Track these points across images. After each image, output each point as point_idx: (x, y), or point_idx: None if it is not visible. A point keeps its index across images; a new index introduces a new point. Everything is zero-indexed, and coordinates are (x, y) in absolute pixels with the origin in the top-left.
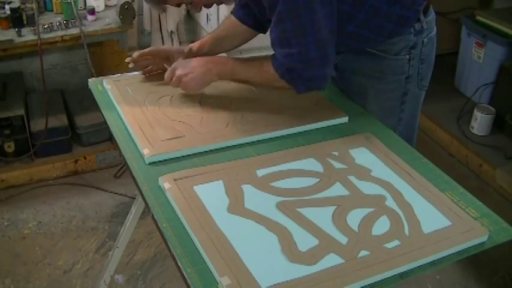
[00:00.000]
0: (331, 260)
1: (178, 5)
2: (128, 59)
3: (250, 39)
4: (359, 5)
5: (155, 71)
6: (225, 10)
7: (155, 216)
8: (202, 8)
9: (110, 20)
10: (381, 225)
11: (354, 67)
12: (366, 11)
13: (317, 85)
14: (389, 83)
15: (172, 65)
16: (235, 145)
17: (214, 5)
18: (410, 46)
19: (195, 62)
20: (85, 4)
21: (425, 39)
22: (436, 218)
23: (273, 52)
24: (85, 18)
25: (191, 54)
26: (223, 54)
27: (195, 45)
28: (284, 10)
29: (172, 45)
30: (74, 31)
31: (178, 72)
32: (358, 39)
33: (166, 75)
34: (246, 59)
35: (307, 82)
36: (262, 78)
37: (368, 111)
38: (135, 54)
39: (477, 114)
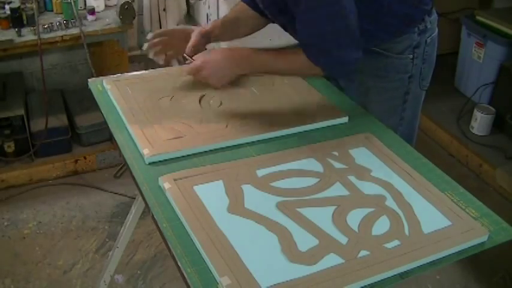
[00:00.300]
0: (331, 260)
1: None
2: (144, 46)
3: (261, 28)
4: (369, 2)
5: (175, 58)
6: (225, 10)
7: (155, 216)
8: None
9: (110, 20)
10: (381, 225)
11: (358, 66)
12: (375, 8)
13: (351, 67)
14: (392, 82)
15: (194, 63)
16: (235, 145)
17: (212, 5)
18: (414, 45)
19: (220, 59)
20: (85, 4)
21: (428, 39)
22: (436, 218)
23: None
24: (85, 18)
25: (204, 38)
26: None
27: (207, 29)
28: None
29: None
30: (74, 31)
31: (203, 64)
32: (365, 35)
33: (188, 70)
34: (268, 49)
35: (344, 66)
36: (293, 67)
37: (369, 110)
38: (149, 35)
39: (477, 114)
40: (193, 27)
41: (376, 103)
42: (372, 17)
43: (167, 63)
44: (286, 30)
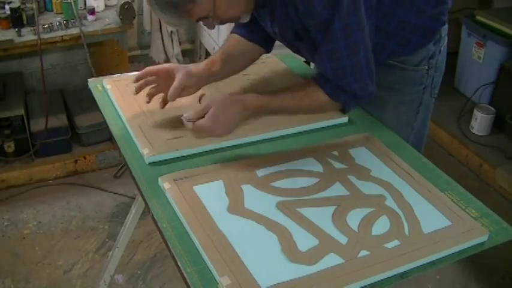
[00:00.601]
0: (331, 260)
1: (197, 20)
2: (134, 89)
3: (257, 58)
4: (389, 19)
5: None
6: None
7: (155, 216)
8: (217, 24)
9: (110, 20)
10: (381, 225)
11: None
12: (394, 24)
13: (365, 101)
14: (408, 94)
15: (198, 124)
16: (235, 145)
17: None
18: (430, 56)
19: (228, 116)
20: (85, 4)
21: (441, 48)
22: (436, 218)
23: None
24: (85, 18)
25: (203, 78)
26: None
27: (204, 68)
28: (338, 28)
29: (172, 46)
30: (74, 31)
31: (215, 133)
32: (383, 51)
33: (198, 134)
34: (280, 90)
35: (359, 100)
36: (312, 105)
37: (386, 124)
38: (134, 84)
39: (477, 114)
40: (179, 66)
41: (392, 117)
42: (391, 33)
43: (163, 104)
44: (299, 54)
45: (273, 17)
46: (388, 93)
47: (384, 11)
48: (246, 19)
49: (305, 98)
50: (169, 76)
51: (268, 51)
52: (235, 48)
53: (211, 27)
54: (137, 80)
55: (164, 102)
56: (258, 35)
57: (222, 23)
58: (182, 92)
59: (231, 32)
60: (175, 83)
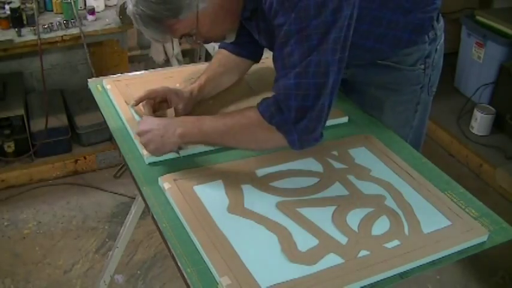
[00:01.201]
0: (331, 260)
1: (181, 37)
2: (130, 104)
3: (247, 70)
4: (377, 22)
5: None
6: None
7: (155, 216)
8: (201, 43)
9: (110, 20)
10: (381, 225)
11: (368, 80)
12: (384, 26)
13: (312, 143)
14: (405, 94)
15: (141, 120)
16: None
17: None
18: (426, 55)
19: (156, 124)
20: (85, 4)
21: (437, 47)
22: (436, 218)
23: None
24: (85, 18)
25: (192, 99)
26: None
27: (194, 88)
28: (293, 30)
29: (172, 46)
30: (74, 31)
31: (140, 129)
32: (373, 52)
33: (139, 128)
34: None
35: (302, 134)
36: (241, 127)
37: (384, 124)
38: (132, 103)
39: (477, 114)
40: (177, 89)
41: (391, 117)
42: (380, 35)
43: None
44: None
45: (259, 29)
46: (385, 93)
47: (371, 15)
48: (231, 39)
49: (236, 115)
50: (165, 100)
51: (258, 61)
52: (224, 66)
53: (195, 45)
54: (138, 102)
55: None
56: (246, 49)
57: (206, 42)
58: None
59: (219, 47)
60: (167, 114)
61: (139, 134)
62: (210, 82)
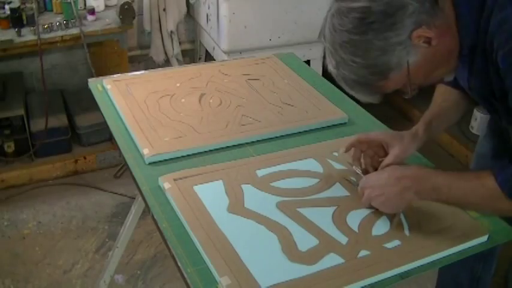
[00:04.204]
0: (331, 259)
1: (393, 91)
2: (340, 152)
3: (470, 107)
4: None
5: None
6: (225, 10)
7: (155, 216)
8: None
9: (110, 20)
10: (381, 225)
11: None
12: None
13: None
14: None
15: (361, 182)
16: (235, 145)
17: (212, 5)
18: None
19: (385, 179)
20: (85, 4)
21: None
22: (436, 218)
23: None
24: (85, 18)
25: (417, 141)
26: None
27: (418, 129)
28: None
29: (172, 46)
30: (74, 31)
31: (367, 193)
32: None
33: (358, 191)
34: (455, 173)
35: None
36: (479, 196)
37: None
38: (341, 150)
39: (477, 114)
40: (395, 134)
41: None
42: None
43: (365, 172)
44: (495, 113)
45: (471, 70)
46: None
47: None
48: (449, 78)
49: (473, 180)
50: (381, 146)
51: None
52: (449, 101)
53: (408, 95)
54: (348, 149)
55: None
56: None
57: (422, 88)
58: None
59: (442, 82)
60: (390, 160)
61: (372, 199)
62: (436, 118)
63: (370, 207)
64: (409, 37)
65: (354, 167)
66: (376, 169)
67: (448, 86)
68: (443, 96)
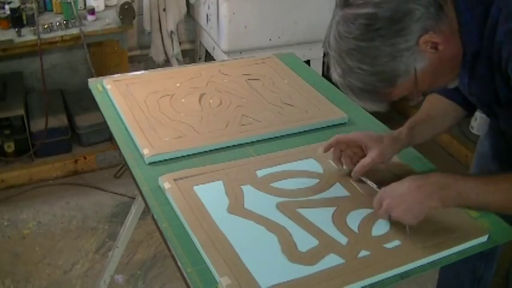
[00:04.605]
0: (331, 260)
1: (398, 99)
2: (319, 151)
3: (460, 119)
4: None
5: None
6: (225, 10)
7: (155, 216)
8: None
9: (110, 20)
10: (381, 226)
11: None
12: None
13: None
14: None
15: (379, 193)
16: (235, 145)
17: (212, 5)
18: None
19: (405, 188)
20: (85, 4)
21: None
22: (436, 218)
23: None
24: (85, 18)
25: (398, 143)
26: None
27: (401, 131)
28: None
29: (172, 46)
30: (74, 31)
31: (386, 203)
32: None
33: (374, 203)
34: (478, 175)
35: None
36: (510, 198)
37: None
38: (320, 150)
39: (477, 114)
40: (373, 142)
41: None
42: None
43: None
44: (495, 118)
45: (472, 75)
46: None
47: None
48: (453, 85)
49: (500, 183)
50: (360, 146)
51: (470, 113)
52: (436, 109)
53: (415, 102)
54: (327, 149)
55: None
56: (459, 95)
57: (426, 94)
58: (369, 168)
59: (432, 91)
60: (366, 162)
61: (392, 208)
62: (420, 124)
63: (389, 219)
64: (417, 43)
65: (368, 181)
66: None
67: (440, 94)
68: (432, 104)
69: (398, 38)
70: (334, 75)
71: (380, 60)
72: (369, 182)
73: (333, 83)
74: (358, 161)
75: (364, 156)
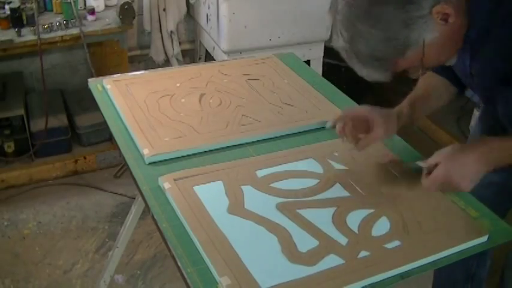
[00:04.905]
0: (331, 260)
1: (401, 71)
2: (327, 125)
3: (454, 97)
4: None
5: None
6: (225, 10)
7: (155, 216)
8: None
9: (110, 20)
10: (381, 226)
11: None
12: None
13: None
14: None
15: (437, 175)
16: (235, 145)
17: (212, 5)
18: None
19: (469, 163)
20: (85, 4)
21: None
22: (436, 218)
23: None
24: (85, 18)
25: (401, 119)
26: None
27: (403, 107)
28: None
29: (172, 46)
30: (74, 31)
31: (456, 179)
32: None
33: (433, 186)
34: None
35: None
36: None
37: None
38: (328, 125)
39: (477, 114)
40: (380, 118)
41: None
42: None
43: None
44: (492, 103)
45: (474, 55)
46: None
47: None
48: (451, 63)
49: None
50: (363, 121)
51: (461, 91)
52: (432, 89)
53: (415, 76)
54: (335, 123)
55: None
56: (448, 71)
57: (426, 70)
58: (376, 141)
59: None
60: (373, 137)
61: (447, 180)
62: (420, 100)
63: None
64: (430, 12)
65: (417, 162)
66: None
67: (436, 73)
68: (427, 81)
69: (411, 5)
70: (340, 41)
71: (393, 26)
72: (422, 163)
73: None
74: (356, 135)
75: (366, 129)
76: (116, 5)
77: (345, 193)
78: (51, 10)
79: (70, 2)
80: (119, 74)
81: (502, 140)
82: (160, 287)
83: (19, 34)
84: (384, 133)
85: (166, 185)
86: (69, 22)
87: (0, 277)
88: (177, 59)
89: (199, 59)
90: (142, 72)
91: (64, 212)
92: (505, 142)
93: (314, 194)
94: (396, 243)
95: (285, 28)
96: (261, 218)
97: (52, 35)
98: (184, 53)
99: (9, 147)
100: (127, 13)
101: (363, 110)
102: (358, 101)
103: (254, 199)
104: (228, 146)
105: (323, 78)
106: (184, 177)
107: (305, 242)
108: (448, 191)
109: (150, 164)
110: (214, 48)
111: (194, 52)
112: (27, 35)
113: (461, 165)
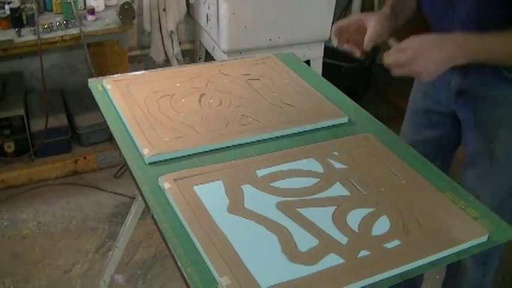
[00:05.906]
0: (331, 260)
1: None
2: (335, 44)
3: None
4: None
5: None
6: (225, 10)
7: (155, 216)
8: None
9: (110, 20)
10: (381, 225)
11: (486, 94)
12: None
13: None
14: None
15: (403, 55)
16: (235, 145)
17: (212, 5)
18: None
19: (435, 50)
20: (85, 4)
21: None
22: (436, 218)
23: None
24: (85, 18)
25: (387, 19)
26: None
27: (386, 10)
28: None
29: (172, 46)
30: (74, 31)
31: (410, 54)
32: None
33: (395, 63)
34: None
35: None
36: None
37: (497, 150)
38: (335, 42)
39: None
40: (367, 15)
41: (507, 141)
42: None
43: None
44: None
45: None
46: (505, 113)
47: None
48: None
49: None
50: (359, 28)
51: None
52: None
53: None
54: (337, 37)
55: (362, 51)
56: None
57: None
58: (377, 38)
59: None
60: (370, 31)
61: (405, 63)
62: (398, 4)
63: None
64: None
65: (390, 40)
66: None
67: None
68: None
69: None
70: None
71: None
72: (391, 40)
73: (332, 82)
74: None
75: (361, 34)
76: (116, 5)
77: (345, 192)
78: (51, 10)
79: (70, 2)
80: (119, 74)
81: (483, 34)
82: (160, 287)
83: (19, 34)
84: (378, 25)
85: (166, 185)
86: (69, 22)
87: (0, 277)
88: (177, 59)
89: (199, 59)
90: (142, 72)
91: (64, 212)
92: (485, 36)
93: (314, 192)
94: (396, 242)
95: (285, 28)
96: (261, 217)
97: (52, 35)
98: (184, 53)
99: (9, 147)
100: (127, 13)
101: (353, 17)
102: (358, 101)
103: (254, 198)
104: (228, 146)
105: (323, 78)
106: (184, 177)
107: (305, 241)
108: (407, 75)
109: (150, 164)
110: (214, 48)
111: (194, 52)
112: (27, 35)
113: (430, 56)
